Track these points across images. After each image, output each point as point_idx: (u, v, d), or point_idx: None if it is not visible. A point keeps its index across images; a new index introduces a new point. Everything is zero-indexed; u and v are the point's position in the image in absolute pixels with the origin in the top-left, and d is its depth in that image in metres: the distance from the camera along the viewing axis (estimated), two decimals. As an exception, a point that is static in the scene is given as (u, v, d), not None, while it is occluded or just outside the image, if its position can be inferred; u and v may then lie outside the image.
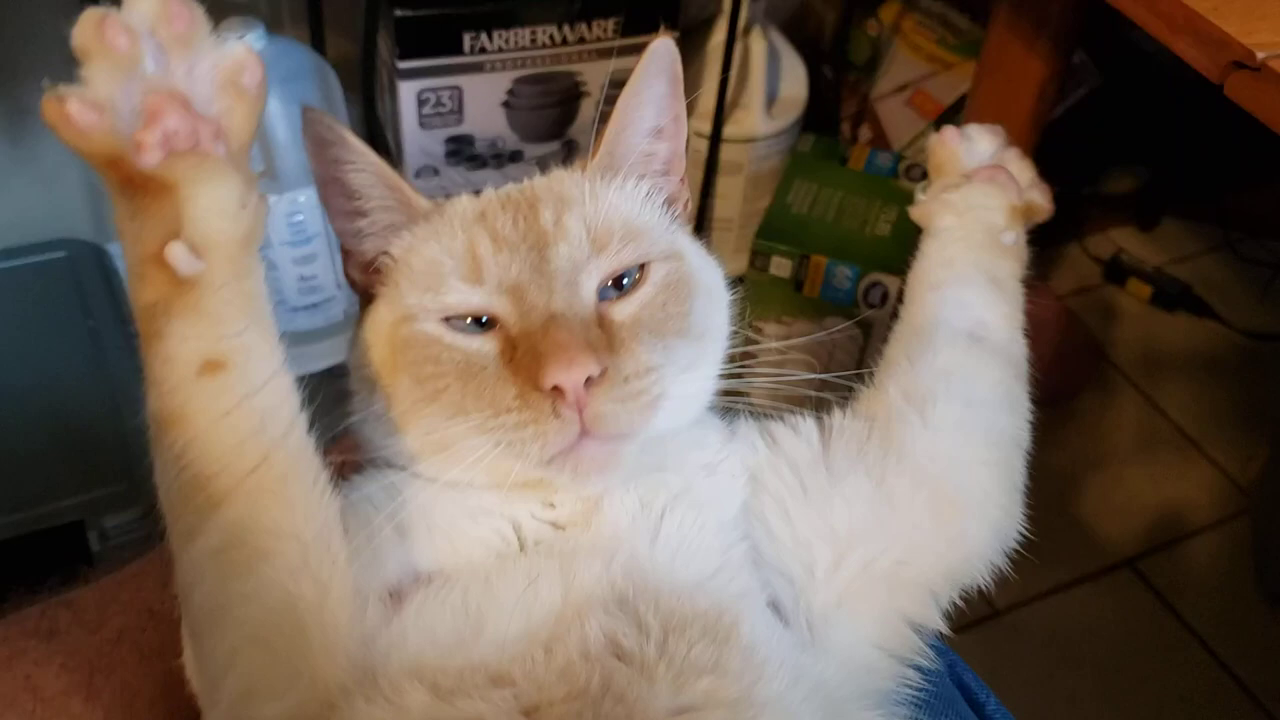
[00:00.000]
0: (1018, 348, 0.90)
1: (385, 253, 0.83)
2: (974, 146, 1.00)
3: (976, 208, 0.94)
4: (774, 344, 0.88)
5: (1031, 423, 0.89)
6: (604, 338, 0.77)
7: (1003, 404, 0.87)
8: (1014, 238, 0.94)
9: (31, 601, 0.90)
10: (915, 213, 0.97)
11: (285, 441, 0.70)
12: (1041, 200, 0.97)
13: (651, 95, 0.85)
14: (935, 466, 0.83)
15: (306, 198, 1.81)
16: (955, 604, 0.84)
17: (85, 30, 0.62)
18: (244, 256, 0.67)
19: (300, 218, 1.84)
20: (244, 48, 0.66)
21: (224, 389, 0.67)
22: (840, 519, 0.82)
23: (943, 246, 0.94)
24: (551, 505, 0.80)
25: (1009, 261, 0.93)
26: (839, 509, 0.82)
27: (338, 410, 0.83)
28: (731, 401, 0.86)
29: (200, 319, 0.66)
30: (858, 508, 0.82)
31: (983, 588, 0.85)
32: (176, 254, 0.64)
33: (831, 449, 0.85)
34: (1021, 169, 0.99)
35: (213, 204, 0.65)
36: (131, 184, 0.64)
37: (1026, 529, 0.86)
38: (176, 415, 0.67)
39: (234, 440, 0.68)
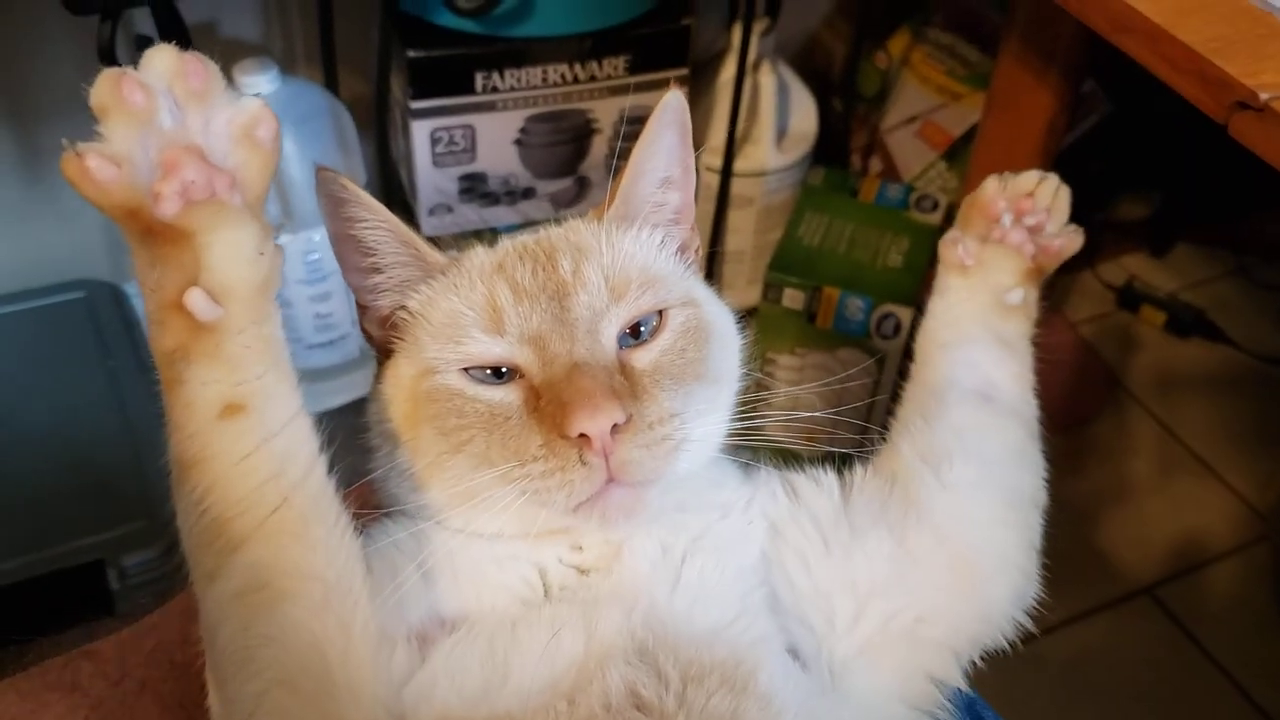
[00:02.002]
0: (1029, 406, 0.91)
1: (402, 307, 0.84)
2: (1009, 201, 0.95)
3: (986, 268, 0.93)
4: (784, 391, 0.88)
5: (1047, 480, 0.89)
6: (627, 385, 0.77)
7: (1017, 462, 0.88)
8: (1021, 296, 0.93)
9: (55, 650, 0.91)
10: (941, 245, 0.96)
11: (305, 483, 0.71)
12: (1048, 260, 0.94)
13: (662, 146, 0.86)
14: (954, 526, 0.84)
15: (321, 236, 1.83)
16: (974, 663, 0.85)
17: (103, 89, 0.64)
18: (262, 302, 0.69)
19: (316, 256, 1.86)
20: (259, 103, 0.68)
21: (244, 432, 0.69)
22: (861, 573, 0.83)
23: (949, 307, 0.94)
24: (579, 548, 0.81)
25: (1016, 321, 0.93)
26: (860, 563, 0.83)
27: (355, 447, 0.84)
28: (746, 440, 0.86)
29: (220, 364, 0.68)
30: (879, 564, 0.83)
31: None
32: (196, 300, 0.66)
33: (853, 504, 0.86)
34: (1056, 213, 0.95)
35: (230, 251, 0.66)
36: (151, 234, 0.65)
37: (1044, 557, 0.86)
38: (197, 459, 0.69)
39: (254, 482, 0.69)
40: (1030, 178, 0.95)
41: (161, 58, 0.65)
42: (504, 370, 0.79)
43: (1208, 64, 0.98)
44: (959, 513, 0.84)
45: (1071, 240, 0.95)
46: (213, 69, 0.66)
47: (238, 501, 0.69)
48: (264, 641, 0.69)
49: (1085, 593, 2.17)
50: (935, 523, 0.83)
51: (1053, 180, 0.96)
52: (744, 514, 0.85)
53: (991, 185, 0.96)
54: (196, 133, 0.66)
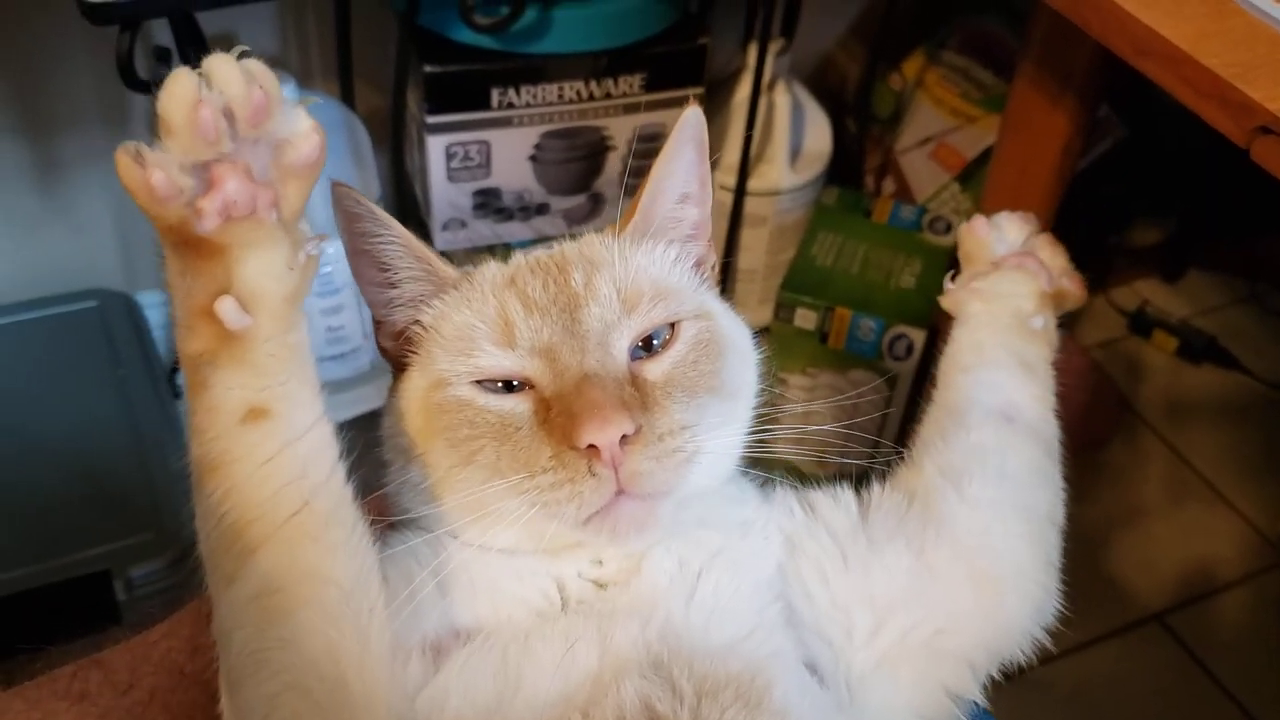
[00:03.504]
0: (1049, 428, 0.91)
1: (416, 322, 0.85)
2: (1003, 235, 1.01)
3: (1005, 294, 0.95)
4: (798, 406, 0.89)
5: (1065, 501, 0.89)
6: (638, 396, 0.77)
7: (1036, 481, 0.88)
8: (1043, 322, 0.94)
9: (63, 659, 0.91)
10: (945, 301, 0.99)
11: (325, 488, 0.72)
12: (1073, 288, 0.98)
13: (682, 162, 0.87)
14: (973, 541, 0.84)
15: (334, 249, 1.82)
16: (993, 676, 0.85)
17: (177, 105, 0.63)
18: (290, 312, 0.69)
19: (328, 269, 1.85)
20: (308, 124, 0.68)
21: (267, 436, 0.69)
22: (880, 587, 0.83)
23: (972, 332, 0.94)
24: (599, 563, 0.81)
25: (1038, 346, 0.94)
26: (879, 577, 0.83)
27: (365, 460, 0.84)
28: (760, 454, 0.86)
29: (245, 370, 0.68)
30: (898, 578, 0.83)
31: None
32: (226, 309, 0.67)
33: (871, 519, 0.86)
34: (1053, 255, 1.00)
35: (262, 266, 0.67)
36: (187, 244, 0.66)
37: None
38: (219, 462, 0.69)
39: (274, 486, 0.70)
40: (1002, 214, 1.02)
41: (230, 82, 0.65)
42: (515, 382, 0.79)
43: (1230, 88, 0.98)
44: (979, 527, 0.84)
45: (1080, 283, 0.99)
46: (274, 94, 0.66)
47: (258, 505, 0.69)
48: (279, 645, 0.70)
49: (1094, 618, 2.15)
50: (955, 537, 0.84)
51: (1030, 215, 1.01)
52: (762, 530, 0.85)
53: (964, 224, 1.02)
54: (245, 148, 0.66)
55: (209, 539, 0.71)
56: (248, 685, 0.71)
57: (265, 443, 0.69)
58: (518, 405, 0.78)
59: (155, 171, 0.63)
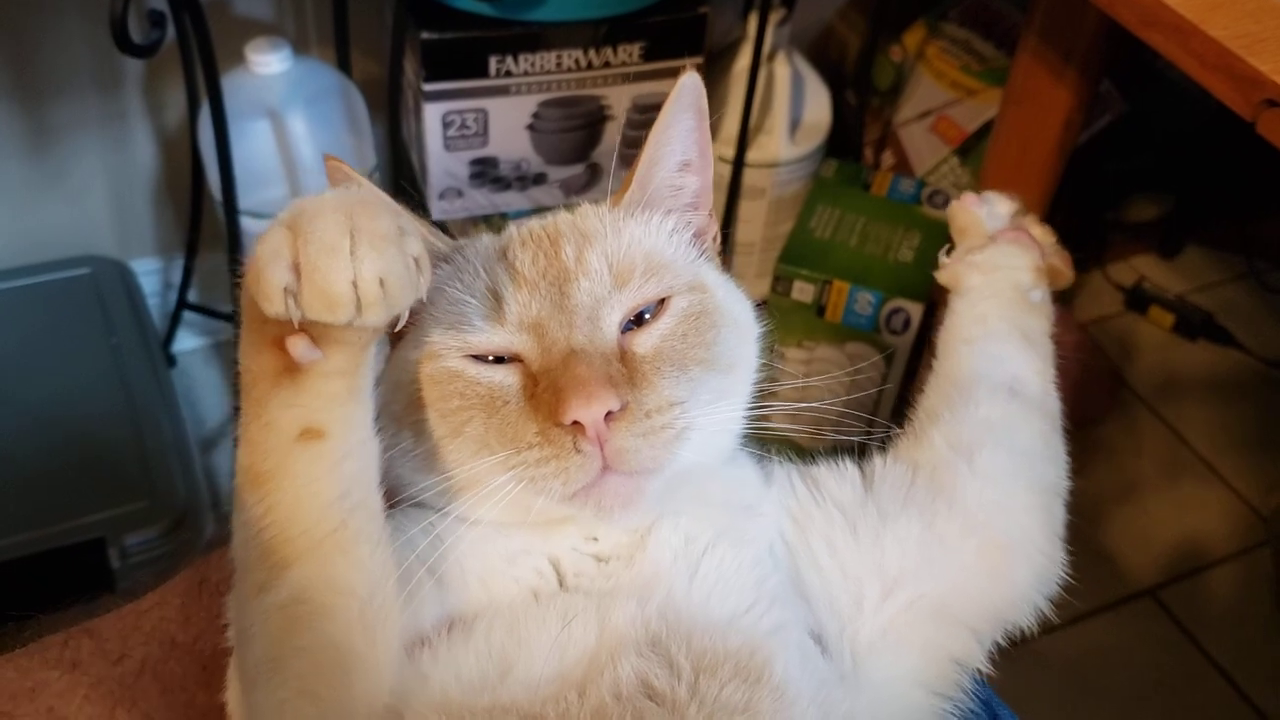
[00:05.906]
0: (1052, 401, 0.91)
1: None
2: (994, 210, 1.02)
3: (1003, 267, 0.96)
4: (796, 381, 0.88)
5: (1069, 473, 0.89)
6: (625, 372, 0.76)
7: (1043, 454, 0.88)
8: (1041, 295, 0.95)
9: (55, 627, 0.90)
10: (941, 276, 0.99)
11: (363, 505, 0.71)
12: (1063, 266, 0.99)
13: (679, 130, 0.85)
14: (984, 512, 0.84)
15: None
16: (998, 644, 0.85)
17: (334, 293, 0.63)
18: (362, 354, 0.69)
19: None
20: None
21: (319, 456, 0.69)
22: (890, 557, 0.82)
23: (973, 304, 0.95)
24: (594, 539, 0.80)
25: (1038, 318, 0.94)
26: (890, 547, 0.83)
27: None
28: (753, 431, 0.86)
29: (306, 394, 0.68)
30: (908, 547, 0.83)
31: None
32: (299, 347, 0.66)
33: (877, 491, 0.86)
34: (1043, 233, 1.01)
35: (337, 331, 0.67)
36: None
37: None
38: (270, 475, 0.69)
39: (320, 504, 0.69)
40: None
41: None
42: (505, 356, 0.79)
43: (1237, 60, 0.98)
44: (989, 500, 0.84)
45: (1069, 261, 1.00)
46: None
47: (300, 522, 0.69)
48: (296, 652, 0.69)
49: (1087, 593, 2.14)
50: (966, 509, 0.84)
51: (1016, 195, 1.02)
52: (763, 505, 0.85)
53: (955, 201, 1.02)
54: None
55: (246, 546, 0.71)
56: (263, 688, 0.70)
57: (317, 462, 0.69)
58: (506, 378, 0.77)
59: (296, 318, 0.63)
